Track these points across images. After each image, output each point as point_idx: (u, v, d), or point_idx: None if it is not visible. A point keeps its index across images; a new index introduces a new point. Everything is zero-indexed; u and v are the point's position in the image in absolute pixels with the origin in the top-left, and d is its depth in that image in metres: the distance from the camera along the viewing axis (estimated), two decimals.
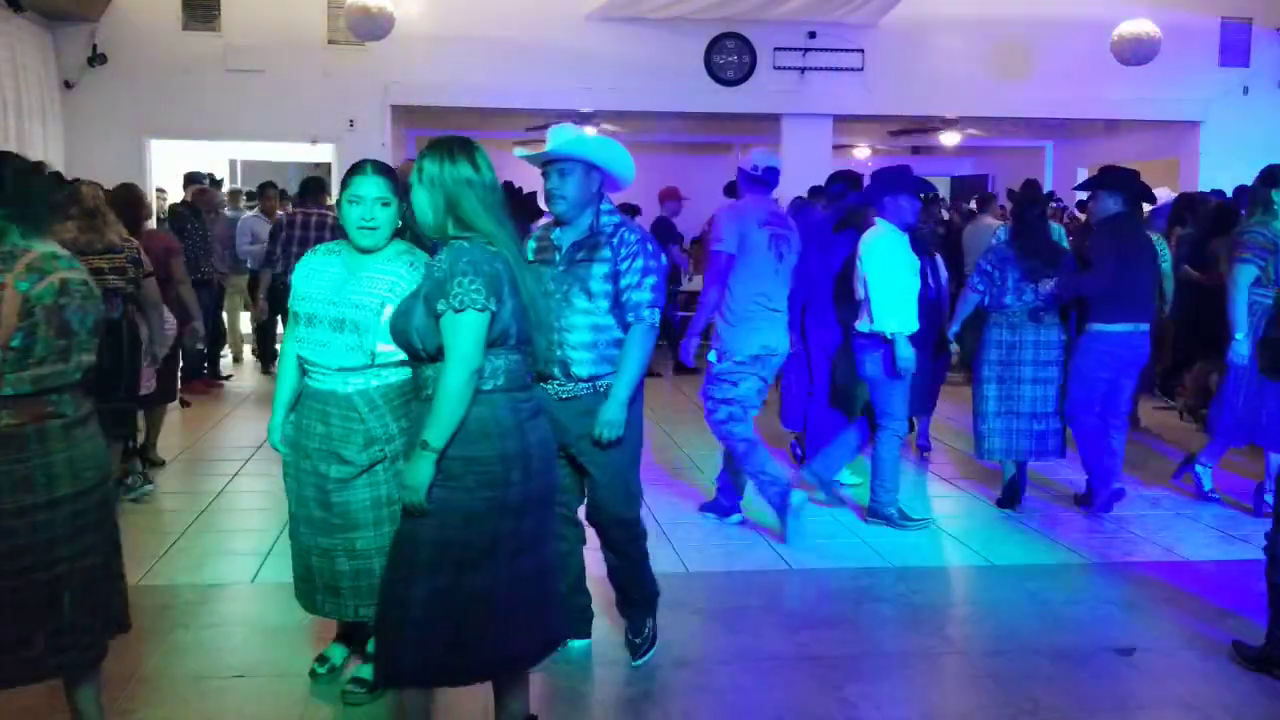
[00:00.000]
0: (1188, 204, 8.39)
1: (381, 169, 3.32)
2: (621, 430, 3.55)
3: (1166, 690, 3.65)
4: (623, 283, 3.55)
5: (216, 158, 13.09)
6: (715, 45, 11.56)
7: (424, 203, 2.85)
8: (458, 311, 2.70)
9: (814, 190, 8.73)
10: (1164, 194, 8.26)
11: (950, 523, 5.64)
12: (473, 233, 2.81)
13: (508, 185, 9.03)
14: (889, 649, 4.01)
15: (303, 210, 8.66)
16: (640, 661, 3.78)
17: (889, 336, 5.18)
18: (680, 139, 16.18)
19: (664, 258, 3.68)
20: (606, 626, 4.14)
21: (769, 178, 5.36)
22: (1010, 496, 5.82)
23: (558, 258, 3.60)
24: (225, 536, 5.28)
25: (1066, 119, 13.00)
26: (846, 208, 6.19)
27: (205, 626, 4.12)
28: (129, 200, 6.18)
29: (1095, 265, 5.52)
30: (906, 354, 5.15)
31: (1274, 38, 12.41)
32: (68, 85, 10.53)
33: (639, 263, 3.56)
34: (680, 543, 5.17)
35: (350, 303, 3.22)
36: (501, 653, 2.91)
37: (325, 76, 10.96)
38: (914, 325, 5.20)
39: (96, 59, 10.58)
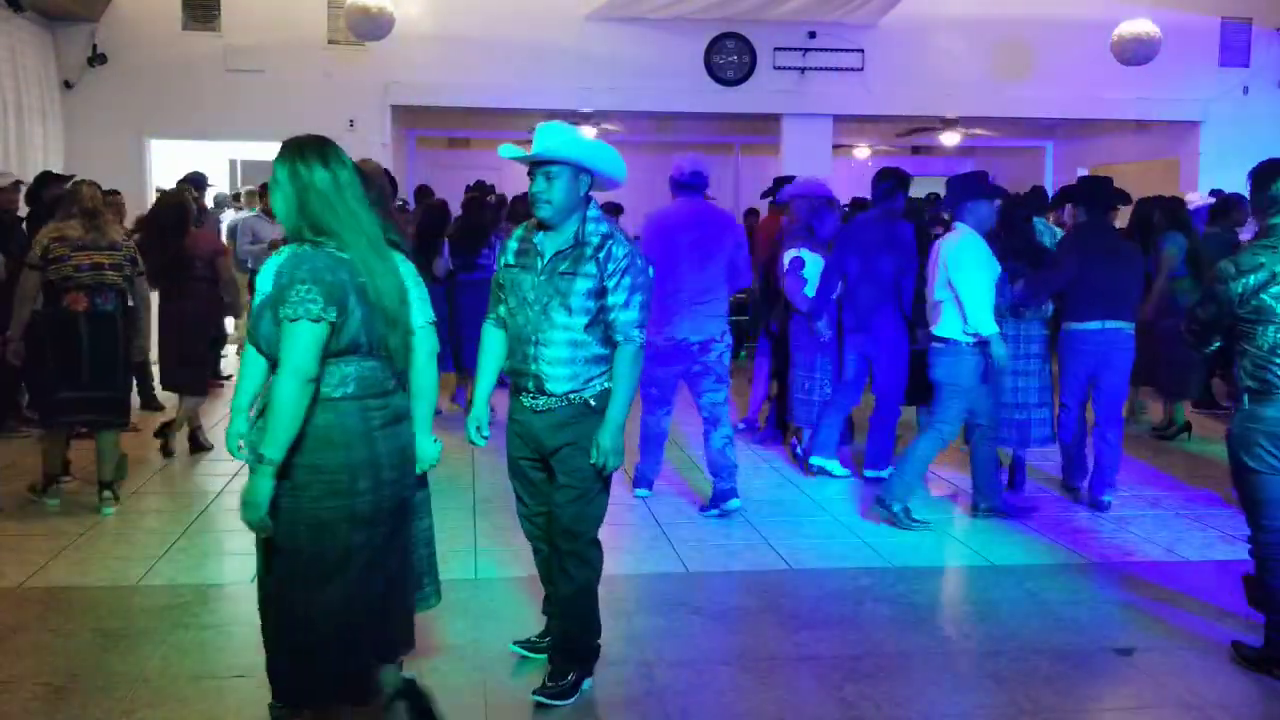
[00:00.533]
0: (1223, 205, 8.47)
1: None
2: (623, 458, 3.48)
3: (1166, 690, 3.65)
4: (609, 300, 3.39)
5: (216, 158, 13.08)
6: (715, 45, 11.56)
7: (279, 205, 2.80)
8: (292, 321, 2.63)
9: (856, 202, 9.41)
10: (1195, 198, 8.35)
11: (950, 522, 5.63)
12: (325, 236, 2.73)
13: (479, 185, 9.03)
14: (889, 649, 4.01)
15: None
16: (536, 698, 3.48)
17: (977, 339, 5.27)
18: (680, 139, 16.16)
19: (651, 271, 3.52)
20: (607, 623, 4.14)
21: (695, 181, 5.79)
22: (1010, 480, 6.13)
23: (540, 264, 3.44)
24: (225, 536, 5.28)
25: (1066, 119, 13.00)
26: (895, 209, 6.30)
27: (205, 626, 4.12)
28: (179, 208, 6.76)
29: (1055, 266, 5.83)
30: (1000, 352, 5.28)
31: (1274, 38, 12.41)
32: (68, 85, 10.53)
33: (627, 280, 3.39)
34: (680, 543, 5.17)
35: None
36: (346, 668, 2.83)
37: (325, 76, 10.96)
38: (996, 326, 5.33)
39: (96, 59, 10.58)
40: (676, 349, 5.65)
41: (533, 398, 3.48)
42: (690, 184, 5.79)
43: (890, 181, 6.29)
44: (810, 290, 6.44)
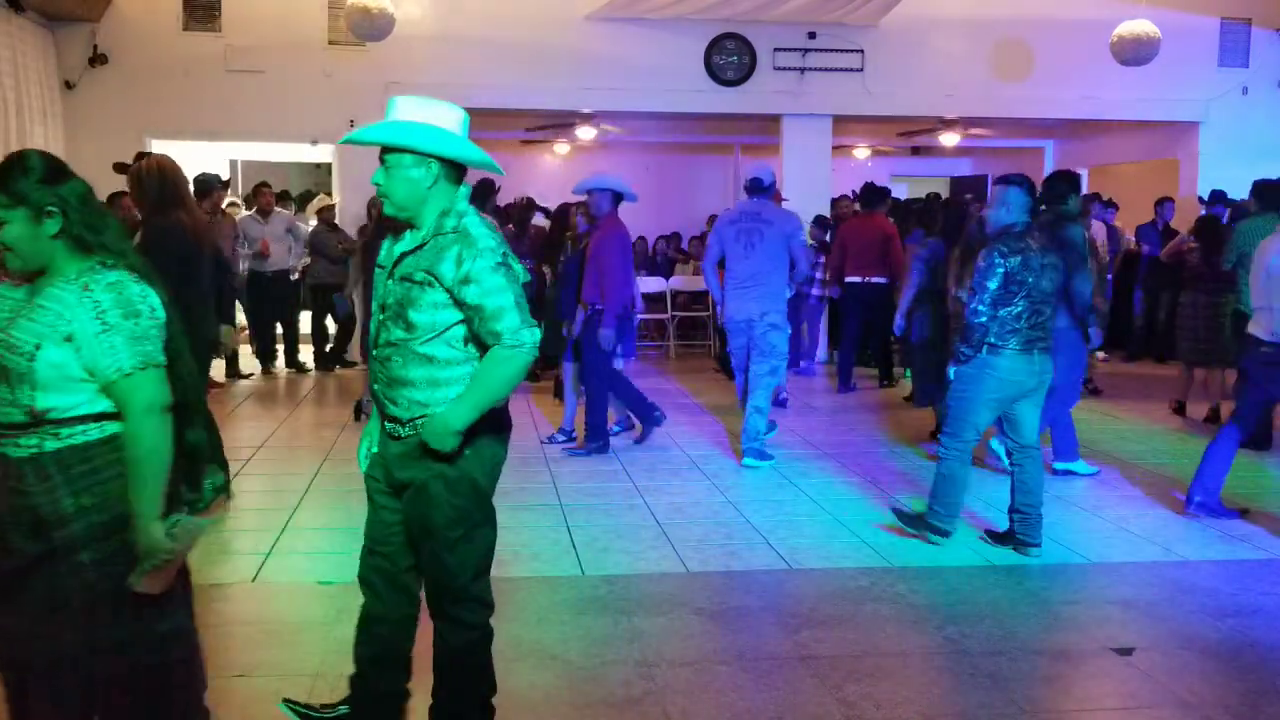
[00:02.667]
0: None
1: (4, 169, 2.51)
2: (446, 445, 2.84)
3: (1166, 690, 3.66)
4: (469, 308, 2.83)
5: (217, 158, 13.08)
6: (715, 45, 11.57)
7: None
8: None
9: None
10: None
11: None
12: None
13: (485, 183, 9.14)
14: (889, 649, 4.01)
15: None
16: None
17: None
18: (680, 139, 16.17)
19: (520, 268, 2.97)
20: (607, 623, 4.14)
21: (751, 184, 6.94)
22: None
23: (389, 267, 2.99)
24: (225, 536, 5.28)
25: (1066, 119, 13.00)
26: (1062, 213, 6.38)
27: (205, 626, 4.09)
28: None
29: None
30: None
31: (1273, 38, 12.42)
32: (68, 85, 10.53)
33: (488, 281, 2.81)
34: (680, 543, 5.17)
35: (4, 342, 2.46)
36: None
37: (325, 77, 10.95)
38: None
39: (97, 59, 10.58)
40: (733, 325, 6.87)
41: (386, 422, 2.99)
42: (748, 186, 6.97)
43: (1063, 185, 6.45)
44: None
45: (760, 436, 6.82)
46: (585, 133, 13.57)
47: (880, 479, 6.45)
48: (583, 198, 7.31)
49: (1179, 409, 8.61)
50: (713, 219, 13.50)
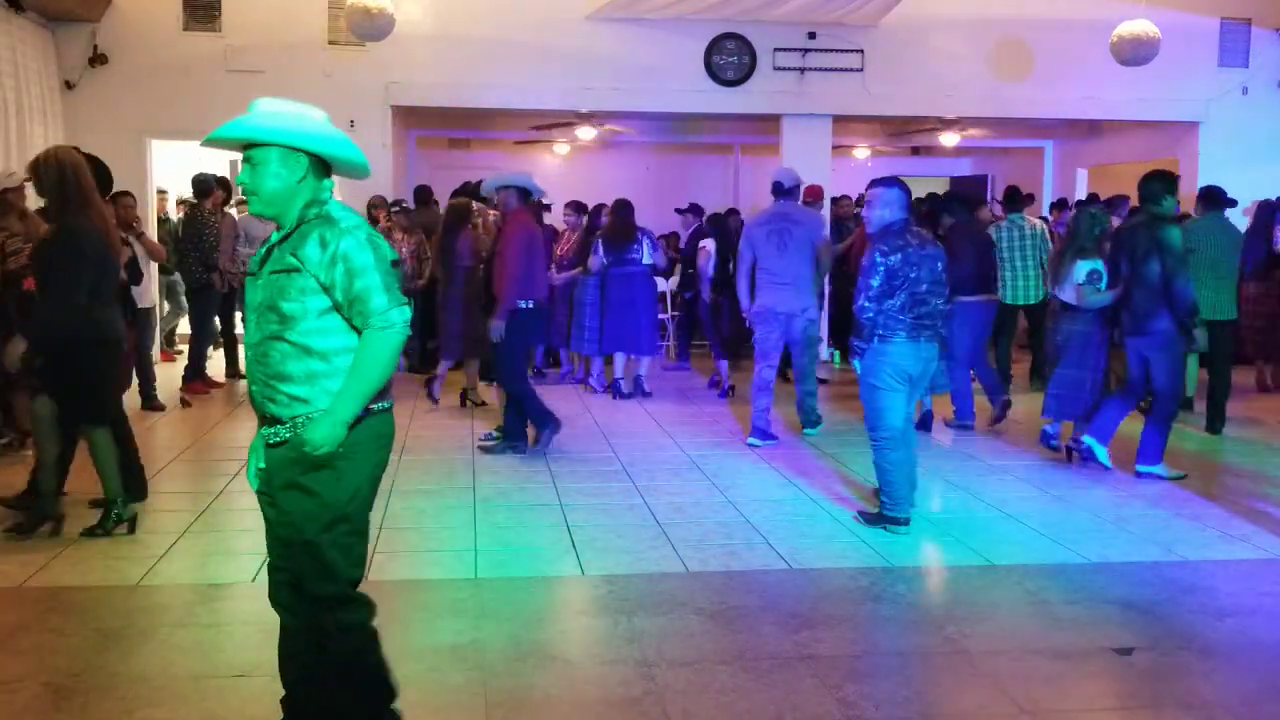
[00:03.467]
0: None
1: None
2: (330, 448, 2.79)
3: (1166, 690, 3.65)
4: (337, 290, 2.79)
5: (217, 158, 13.07)
6: (715, 45, 11.57)
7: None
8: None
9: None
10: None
11: (950, 522, 5.64)
12: None
13: (466, 185, 9.21)
14: (889, 649, 4.01)
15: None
16: None
17: None
18: (680, 139, 16.17)
19: (387, 247, 2.93)
20: (607, 623, 4.14)
21: (775, 187, 7.56)
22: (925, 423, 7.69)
23: (256, 264, 2.95)
24: (225, 536, 5.28)
25: (1066, 119, 13.00)
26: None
27: (205, 626, 4.12)
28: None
29: (958, 259, 7.05)
30: None
31: (1273, 38, 12.42)
32: (68, 85, 10.53)
33: (354, 261, 2.78)
34: (680, 543, 5.17)
35: None
36: None
37: (325, 77, 10.95)
38: None
39: (97, 59, 10.58)
40: (770, 314, 7.37)
41: (269, 425, 2.90)
42: (774, 190, 7.56)
43: (1157, 185, 6.45)
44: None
45: (763, 414, 7.37)
46: (585, 133, 13.57)
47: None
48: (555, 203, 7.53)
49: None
50: (714, 218, 13.49)
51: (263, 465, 2.94)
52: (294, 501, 2.86)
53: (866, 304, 5.27)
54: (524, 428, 7.13)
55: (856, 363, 5.45)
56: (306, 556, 2.88)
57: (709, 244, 9.63)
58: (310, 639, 2.98)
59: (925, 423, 7.75)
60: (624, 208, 9.35)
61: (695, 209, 10.99)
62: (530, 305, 6.98)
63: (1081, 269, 6.63)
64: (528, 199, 7.16)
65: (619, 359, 9.36)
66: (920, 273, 5.26)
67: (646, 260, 9.24)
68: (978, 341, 7.83)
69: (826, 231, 8.12)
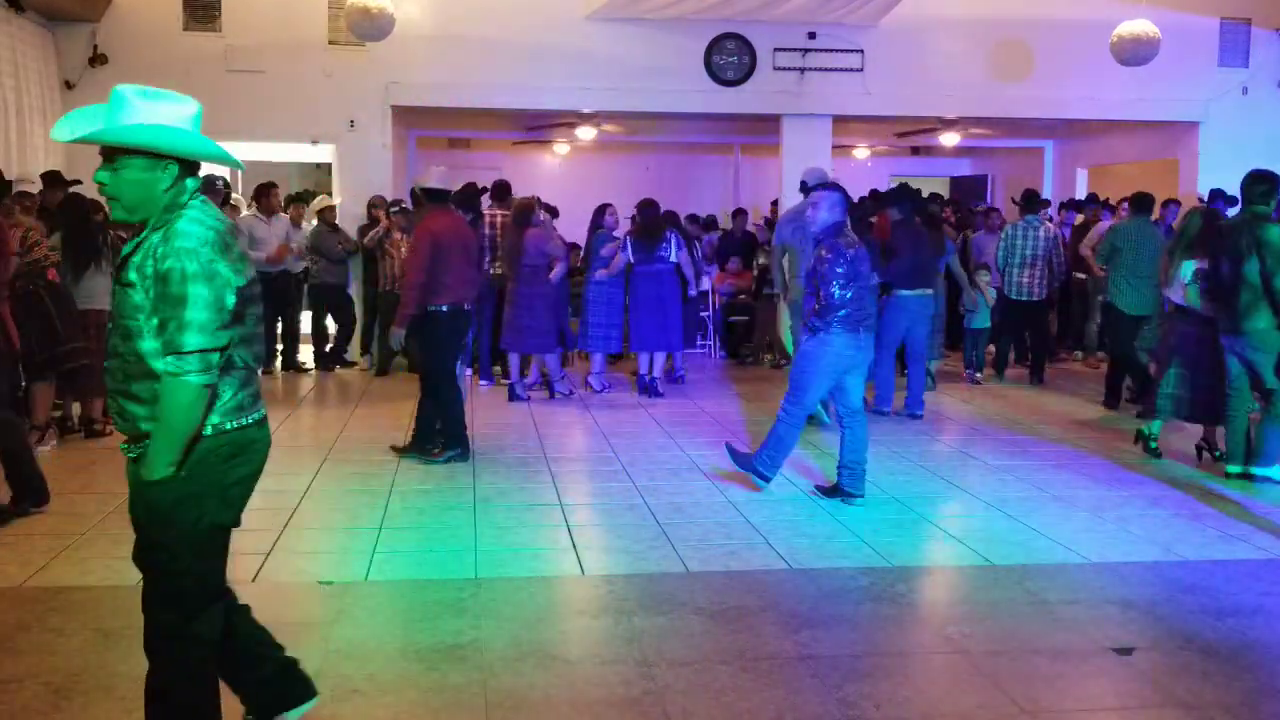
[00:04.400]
0: None
1: None
2: (156, 474, 2.64)
3: (1166, 690, 3.66)
4: (155, 305, 2.58)
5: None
6: (715, 45, 11.57)
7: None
8: None
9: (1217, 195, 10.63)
10: None
11: (950, 522, 5.64)
12: None
13: (469, 186, 9.28)
14: (889, 649, 4.01)
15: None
16: None
17: None
18: (680, 139, 16.17)
19: (233, 276, 2.68)
20: (607, 623, 4.14)
21: (802, 187, 7.86)
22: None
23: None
24: None
25: (1066, 119, 13.01)
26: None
27: None
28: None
29: (898, 254, 8.14)
30: None
31: (1273, 38, 12.42)
32: (68, 85, 10.54)
33: (173, 285, 2.55)
34: (680, 543, 5.17)
35: None
36: None
37: (325, 77, 10.96)
38: None
39: (97, 59, 10.59)
40: (797, 308, 7.69)
41: (125, 441, 2.77)
42: (801, 188, 7.88)
43: (1261, 185, 6.42)
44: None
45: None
46: (585, 133, 13.58)
47: (880, 479, 6.45)
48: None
49: None
50: (713, 219, 13.56)
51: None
52: (139, 514, 2.77)
53: (835, 291, 5.70)
54: (462, 432, 6.85)
55: (804, 340, 6.00)
56: (155, 574, 2.79)
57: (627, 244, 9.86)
58: (243, 626, 3.00)
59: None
60: (651, 206, 9.44)
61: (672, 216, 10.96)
62: (445, 309, 6.65)
63: (1188, 269, 6.62)
64: (441, 199, 6.90)
65: (642, 358, 9.44)
66: (860, 269, 5.82)
67: (673, 259, 9.36)
68: (917, 333, 8.40)
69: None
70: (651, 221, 9.35)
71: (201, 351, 2.57)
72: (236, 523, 2.88)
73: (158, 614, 2.79)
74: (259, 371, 2.89)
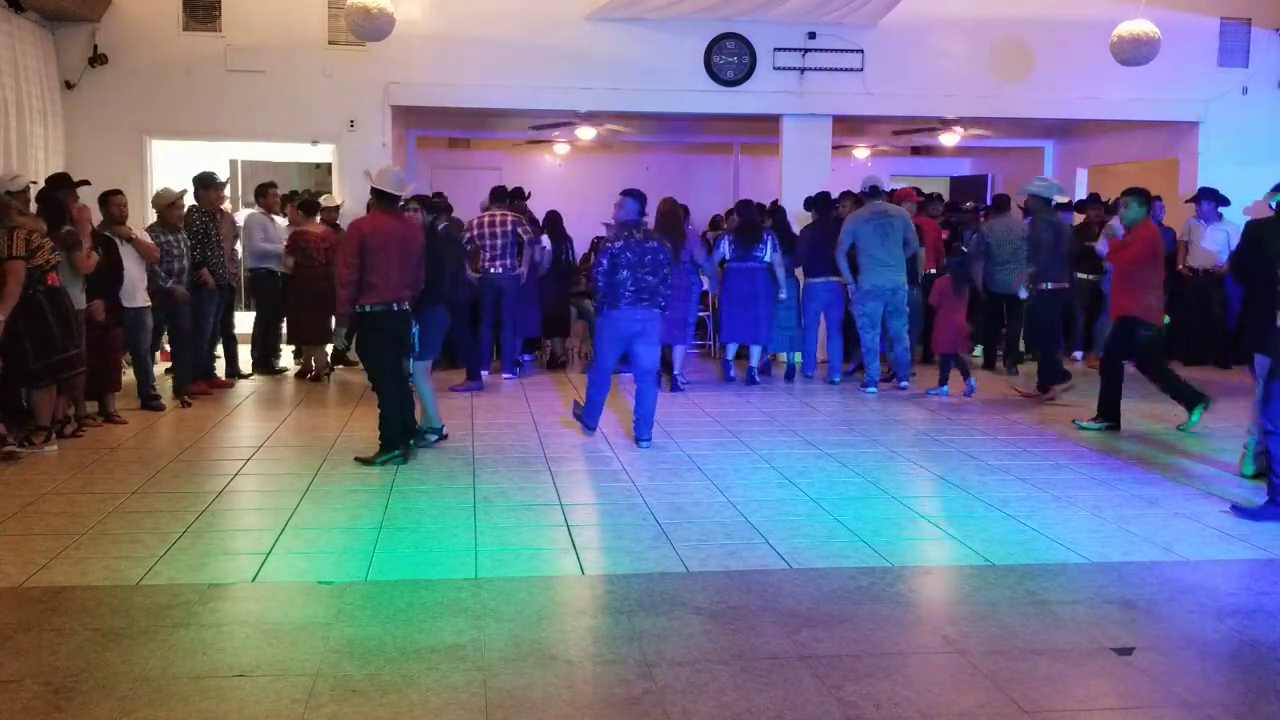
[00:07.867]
0: None
1: None
2: None
3: (1166, 690, 3.65)
4: None
5: (217, 158, 13.09)
6: (715, 45, 11.57)
7: None
8: None
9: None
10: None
11: (950, 522, 5.64)
12: None
13: (500, 189, 9.28)
14: (889, 649, 4.01)
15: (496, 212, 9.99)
16: None
17: None
18: (680, 139, 16.17)
19: None
20: (607, 623, 4.14)
21: (872, 190, 9.62)
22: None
23: None
24: (225, 536, 5.28)
25: (1066, 119, 13.01)
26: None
27: (205, 626, 4.12)
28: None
29: (811, 247, 9.93)
30: None
31: (1273, 38, 12.42)
32: (68, 85, 10.54)
33: None
34: (680, 543, 5.17)
35: None
36: None
37: (325, 77, 10.96)
38: None
39: (97, 59, 10.59)
40: (876, 291, 9.45)
41: None
42: (871, 191, 9.67)
43: None
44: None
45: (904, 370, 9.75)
46: (585, 133, 13.57)
47: (880, 479, 6.45)
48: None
49: None
50: (715, 219, 13.55)
51: None
52: None
53: (599, 278, 7.24)
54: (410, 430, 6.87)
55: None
56: None
57: (544, 239, 10.48)
58: None
59: (790, 374, 10.36)
60: (749, 206, 10.21)
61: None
62: (371, 310, 6.58)
63: None
64: (387, 200, 6.76)
65: (733, 348, 10.20)
66: (642, 258, 7.16)
67: (768, 259, 9.85)
68: (833, 316, 10.09)
69: (913, 225, 9.88)
70: (751, 221, 10.00)
71: None
72: None
73: None
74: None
